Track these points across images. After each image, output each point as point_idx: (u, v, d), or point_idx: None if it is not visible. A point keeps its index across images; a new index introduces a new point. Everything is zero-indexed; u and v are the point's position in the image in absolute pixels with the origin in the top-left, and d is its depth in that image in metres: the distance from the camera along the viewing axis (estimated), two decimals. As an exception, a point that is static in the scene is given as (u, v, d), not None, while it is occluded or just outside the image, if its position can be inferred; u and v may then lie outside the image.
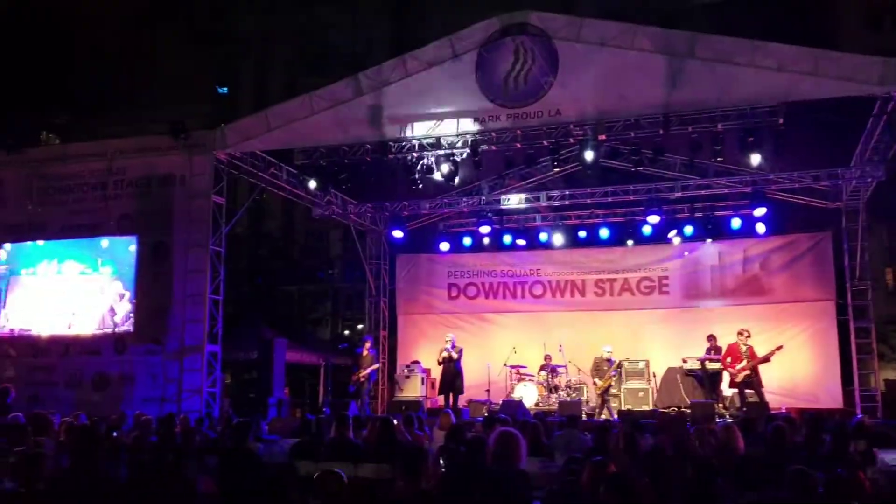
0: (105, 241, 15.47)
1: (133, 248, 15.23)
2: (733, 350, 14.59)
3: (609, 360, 15.87)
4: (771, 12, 29.94)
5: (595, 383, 15.87)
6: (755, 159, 13.50)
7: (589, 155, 13.62)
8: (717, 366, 15.23)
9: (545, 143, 13.94)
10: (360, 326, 26.33)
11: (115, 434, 8.75)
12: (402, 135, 14.14)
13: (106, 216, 15.43)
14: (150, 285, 14.99)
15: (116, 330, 15.10)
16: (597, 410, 15.74)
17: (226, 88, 39.45)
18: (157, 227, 15.05)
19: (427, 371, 17.35)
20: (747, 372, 14.35)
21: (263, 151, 15.31)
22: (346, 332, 34.04)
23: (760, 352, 14.52)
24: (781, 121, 12.46)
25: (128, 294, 15.19)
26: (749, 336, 14.61)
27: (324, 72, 29.19)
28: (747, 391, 14.45)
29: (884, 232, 25.12)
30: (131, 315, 15.08)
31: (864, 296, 16.61)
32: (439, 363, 16.47)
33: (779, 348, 14.50)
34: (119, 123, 30.11)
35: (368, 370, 16.46)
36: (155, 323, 14.80)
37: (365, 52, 34.76)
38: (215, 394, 14.75)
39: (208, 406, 14.39)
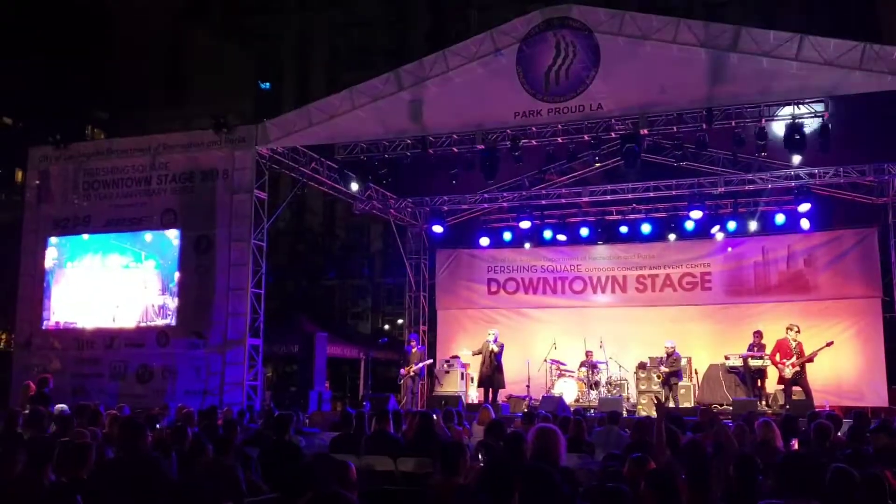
0: (149, 235, 15.74)
1: (176, 242, 15.46)
2: (783, 346, 14.40)
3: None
4: (814, 4, 29.37)
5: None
6: (800, 154, 13.26)
7: (631, 150, 13.50)
8: (759, 363, 15.05)
9: (586, 137, 13.85)
10: (399, 321, 26.50)
11: (158, 426, 8.90)
12: (442, 130, 14.16)
13: (149, 210, 15.69)
14: (192, 279, 15.22)
15: (159, 323, 15.36)
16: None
17: (268, 84, 39.85)
18: (200, 221, 15.26)
19: (466, 366, 17.38)
20: (797, 368, 14.15)
21: (304, 146, 15.44)
22: (387, 327, 34.26)
23: (808, 348, 14.29)
24: (827, 115, 12.23)
25: (171, 288, 15.44)
26: (799, 332, 14.46)
27: (365, 67, 29.35)
28: (794, 388, 14.24)
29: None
30: (174, 309, 15.32)
31: (911, 292, 16.26)
32: (474, 354, 16.46)
33: (829, 344, 14.35)
34: (162, 119, 30.64)
35: (419, 365, 16.54)
36: (198, 316, 15.02)
37: (405, 47, 34.86)
38: (256, 387, 14.93)
39: (249, 399, 14.55)
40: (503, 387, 16.24)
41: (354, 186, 16.34)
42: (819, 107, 12.32)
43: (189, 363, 14.88)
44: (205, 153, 15.43)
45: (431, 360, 17.99)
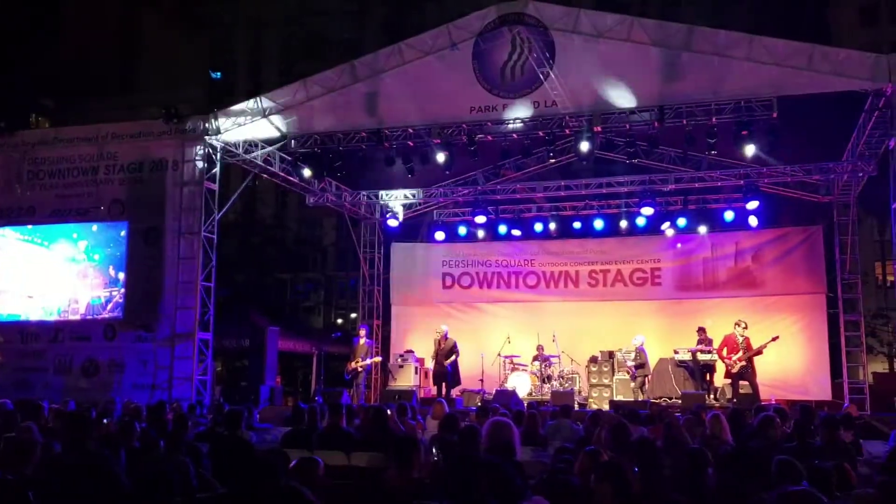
0: (95, 227, 15.40)
1: (124, 233, 15.17)
2: (730, 341, 14.69)
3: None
4: (766, 5, 29.98)
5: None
6: (749, 152, 13.53)
7: (584, 146, 13.62)
8: (707, 357, 15.33)
9: (541, 133, 13.93)
10: (353, 315, 26.38)
11: (105, 421, 8.72)
12: (398, 123, 14.11)
13: (97, 201, 15.37)
14: (140, 271, 14.95)
15: (106, 316, 15.04)
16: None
17: (220, 73, 39.25)
18: (149, 212, 15.00)
19: (421, 361, 17.37)
20: (743, 363, 14.45)
21: (257, 137, 15.26)
22: (340, 321, 34.10)
23: (755, 343, 14.61)
24: (775, 114, 12.49)
25: (119, 280, 15.13)
26: (746, 327, 14.74)
27: (319, 58, 29.10)
28: (741, 382, 14.54)
29: (874, 226, 25.22)
30: (122, 301, 15.02)
31: (854, 289, 16.72)
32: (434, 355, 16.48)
33: (775, 338, 14.70)
34: (111, 108, 29.99)
35: (367, 362, 16.44)
36: (145, 309, 14.77)
37: (360, 38, 34.64)
38: (206, 381, 14.73)
39: (199, 394, 14.37)
40: (458, 383, 16.26)
41: (308, 179, 16.18)
42: (767, 106, 12.55)
43: (136, 357, 14.63)
44: (154, 143, 15.15)
45: (381, 358, 17.91)
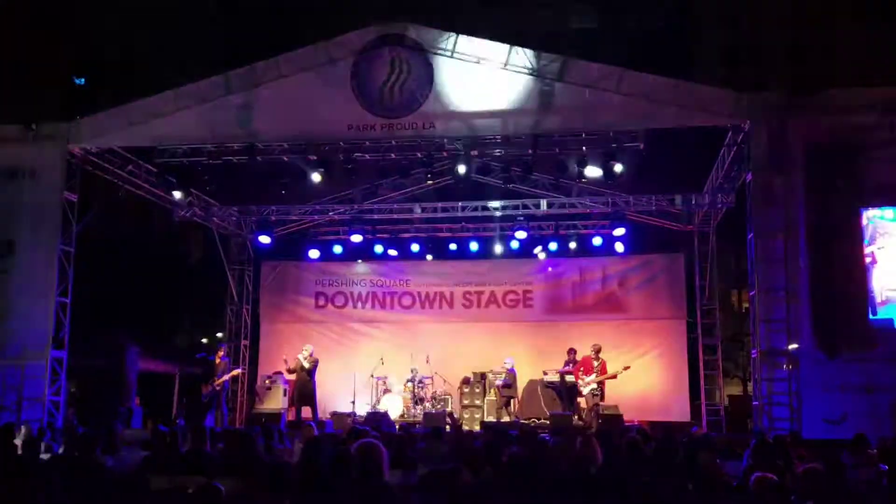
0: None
1: (-28, 244, 14.05)
2: (586, 362, 15.22)
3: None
4: (638, 43, 31.52)
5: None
6: (616, 182, 14.04)
7: (461, 169, 13.74)
8: (574, 379, 15.72)
9: (419, 155, 13.96)
10: (219, 335, 25.48)
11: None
12: (273, 137, 13.79)
13: (-58, 209, 14.18)
14: (-11, 285, 13.87)
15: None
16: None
17: (83, 79, 37.38)
18: (1, 224, 13.97)
19: (290, 383, 16.92)
20: (594, 386, 14.91)
21: (121, 147, 14.54)
22: (204, 341, 32.88)
23: (612, 367, 15.14)
24: (642, 146, 13.02)
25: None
26: (600, 351, 15.34)
27: (189, 67, 28.18)
28: (601, 403, 14.98)
29: (731, 256, 26.72)
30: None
31: (712, 315, 17.60)
32: (289, 371, 16.04)
33: (626, 368, 15.41)
34: (-40, 110, 27.91)
35: (225, 377, 15.87)
36: (-7, 326, 13.70)
37: (232, 49, 33.89)
38: (59, 403, 13.83)
39: (51, 416, 13.47)
40: (315, 405, 15.88)
41: (176, 193, 15.52)
42: (635, 138, 13.07)
43: (-18, 376, 13.52)
44: (9, 150, 14.14)
45: (240, 371, 17.34)
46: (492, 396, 16.38)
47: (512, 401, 16.19)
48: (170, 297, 33.06)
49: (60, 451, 8.39)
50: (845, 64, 36.91)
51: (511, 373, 16.10)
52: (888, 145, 12.07)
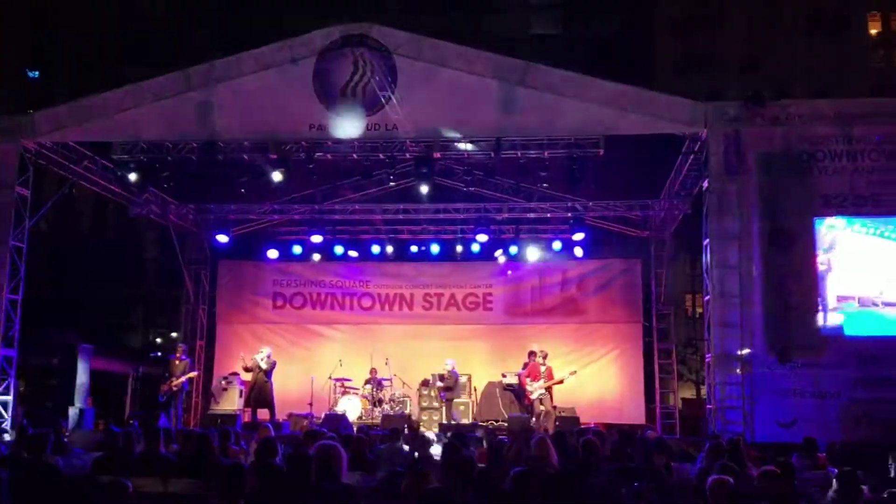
0: None
1: (-83, 239, 13.65)
2: (534, 368, 15.33)
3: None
4: (597, 51, 31.93)
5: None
6: (576, 187, 14.19)
7: (423, 172, 13.74)
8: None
9: (381, 156, 13.94)
10: (174, 335, 25.12)
11: None
12: (233, 135, 13.65)
13: None
14: (-64, 282, 13.50)
15: None
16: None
17: (37, 73, 36.57)
18: (-51, 218, 13.62)
19: (246, 384, 16.75)
20: (542, 391, 15.04)
21: (77, 142, 14.26)
22: (159, 340, 32.42)
23: (558, 373, 15.33)
24: (602, 152, 13.17)
25: None
26: (546, 357, 15.43)
27: (148, 63, 27.76)
28: (540, 407, 15.05)
29: (687, 261, 27.18)
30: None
31: (667, 320, 17.86)
32: (246, 370, 15.88)
33: (572, 373, 15.54)
34: None
35: (183, 378, 15.67)
36: (-60, 323, 13.35)
37: (191, 47, 33.49)
38: (8, 402, 13.52)
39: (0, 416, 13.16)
40: (272, 406, 15.75)
41: (132, 189, 15.27)
42: (596, 144, 13.21)
43: (-75, 376, 13.16)
44: (-41, 142, 13.79)
45: (196, 373, 17.12)
46: (433, 394, 16.40)
47: (452, 401, 16.06)
48: (124, 296, 32.53)
49: (7, 451, 8.18)
50: (800, 75, 37.82)
51: (453, 374, 16.14)
52: (840, 156, 12.39)
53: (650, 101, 13.03)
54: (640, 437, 10.40)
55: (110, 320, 30.98)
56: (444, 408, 16.18)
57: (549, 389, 15.15)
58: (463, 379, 16.71)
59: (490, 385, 16.77)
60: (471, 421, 15.77)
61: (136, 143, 13.90)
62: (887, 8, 40.28)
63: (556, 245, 17.57)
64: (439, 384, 16.13)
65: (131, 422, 14.08)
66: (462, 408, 16.29)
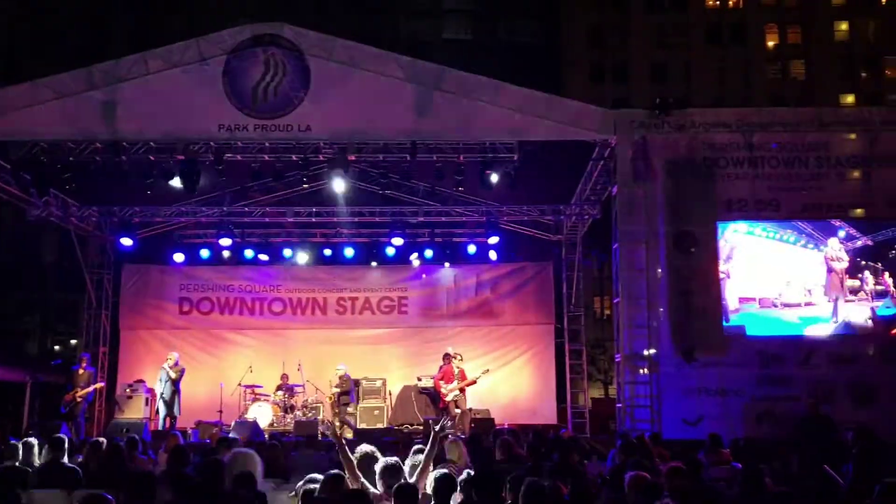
0: None
1: None
2: (447, 371, 15.43)
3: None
4: (511, 57, 32.41)
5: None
6: (490, 191, 14.35)
7: (338, 174, 13.63)
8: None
9: (294, 157, 13.74)
10: (73, 341, 24.17)
11: None
12: (138, 136, 13.22)
13: None
14: None
15: None
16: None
17: (-76, 66, 34.61)
18: None
19: (152, 391, 16.23)
20: (456, 393, 15.16)
21: (-32, 140, 13.53)
22: (58, 348, 31.16)
23: (470, 374, 15.51)
24: (516, 157, 13.35)
25: None
26: (462, 360, 15.62)
27: (51, 60, 26.70)
28: (458, 409, 15.16)
29: (595, 264, 27.86)
30: None
31: (578, 321, 18.23)
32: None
33: (485, 372, 15.86)
34: None
35: (89, 389, 15.08)
36: None
37: (99, 45, 32.38)
38: None
39: None
40: (178, 414, 15.37)
41: (30, 190, 14.57)
42: (510, 149, 13.38)
43: None
44: None
45: (103, 384, 16.51)
46: (365, 403, 16.31)
47: (345, 409, 15.99)
48: (21, 302, 31.13)
49: None
50: (703, 85, 39.36)
51: (346, 378, 16.08)
52: (742, 163, 12.92)
53: (561, 107, 13.29)
54: (555, 436, 10.62)
55: (7, 327, 29.59)
56: (358, 413, 16.09)
57: (462, 391, 15.27)
58: (377, 383, 16.66)
59: (405, 389, 16.76)
60: (386, 425, 15.71)
61: (35, 142, 13.30)
62: (784, 21, 42.41)
63: (471, 248, 17.73)
64: (335, 389, 16.00)
65: (30, 432, 13.45)
66: (377, 412, 16.25)
